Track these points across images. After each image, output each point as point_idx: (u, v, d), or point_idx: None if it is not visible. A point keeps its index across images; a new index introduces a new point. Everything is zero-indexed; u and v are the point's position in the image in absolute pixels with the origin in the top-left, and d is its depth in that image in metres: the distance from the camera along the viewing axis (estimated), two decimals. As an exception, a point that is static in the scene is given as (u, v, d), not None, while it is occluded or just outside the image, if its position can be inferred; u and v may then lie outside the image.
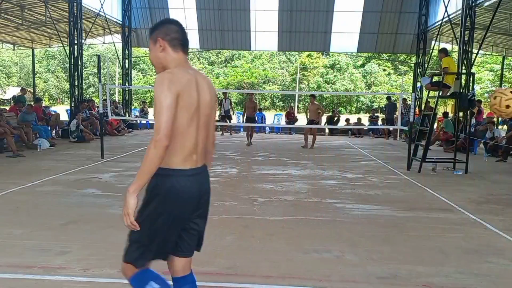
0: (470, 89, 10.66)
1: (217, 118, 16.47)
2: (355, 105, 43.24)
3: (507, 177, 7.63)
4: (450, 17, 13.31)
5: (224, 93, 16.45)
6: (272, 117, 20.85)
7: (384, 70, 43.48)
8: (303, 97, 37.92)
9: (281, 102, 43.68)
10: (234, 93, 39.51)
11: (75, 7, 13.11)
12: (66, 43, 14.19)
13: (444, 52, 8.49)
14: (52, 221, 4.19)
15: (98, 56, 9.53)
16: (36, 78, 26.02)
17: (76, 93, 13.66)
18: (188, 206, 1.88)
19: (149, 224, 1.84)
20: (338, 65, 43.23)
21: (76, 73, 13.56)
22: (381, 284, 2.94)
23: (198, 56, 46.13)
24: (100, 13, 14.85)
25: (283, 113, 21.26)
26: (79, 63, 13.53)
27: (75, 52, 13.37)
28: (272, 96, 43.50)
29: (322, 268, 3.16)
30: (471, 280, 3.02)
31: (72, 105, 13.82)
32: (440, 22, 14.09)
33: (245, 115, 12.29)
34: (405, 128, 12.10)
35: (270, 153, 10.32)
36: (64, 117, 15.49)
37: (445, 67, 7.90)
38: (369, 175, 7.41)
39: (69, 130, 11.74)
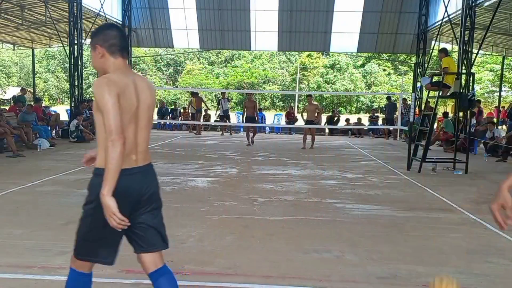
0: (470, 89, 10.66)
1: (216, 118, 16.52)
2: (355, 105, 43.24)
3: (507, 177, 7.62)
4: (450, 17, 13.31)
5: (223, 93, 16.43)
6: (272, 117, 20.85)
7: (384, 70, 43.49)
8: (303, 97, 37.89)
9: (281, 102, 43.68)
10: (234, 93, 39.52)
11: (75, 7, 13.11)
12: (66, 43, 14.20)
13: (444, 52, 8.49)
14: (52, 221, 4.19)
15: (98, 56, 9.52)
16: (36, 78, 26.02)
17: (76, 93, 13.66)
18: (128, 204, 1.91)
19: (90, 221, 1.93)
20: (338, 65, 43.23)
21: (76, 73, 13.56)
22: (381, 284, 2.94)
23: (198, 56, 46.16)
24: (100, 13, 14.84)
25: (283, 113, 21.26)
26: (79, 63, 13.54)
27: (75, 52, 13.37)
28: (272, 96, 43.51)
29: (322, 268, 3.16)
30: (471, 280, 3.02)
31: (72, 105, 13.83)
32: (440, 22, 14.09)
33: (245, 115, 12.13)
34: (405, 128, 12.11)
35: (270, 153, 10.32)
36: (64, 117, 15.50)
37: (445, 67, 7.90)
38: (369, 175, 7.41)
39: (69, 130, 11.75)
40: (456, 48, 14.77)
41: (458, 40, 12.76)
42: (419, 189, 6.32)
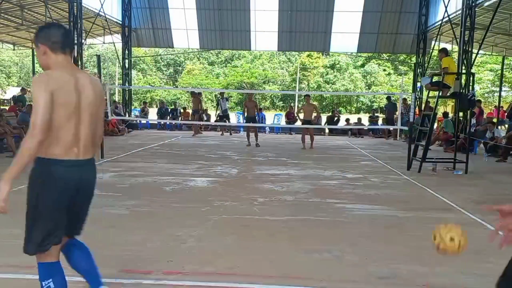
0: (470, 89, 10.67)
1: (215, 118, 16.51)
2: (355, 105, 43.26)
3: (507, 177, 7.63)
4: (450, 17, 13.31)
5: (222, 93, 16.39)
6: (272, 117, 20.86)
7: (384, 70, 43.51)
8: (303, 97, 37.88)
9: (281, 102, 43.69)
10: (234, 93, 39.52)
11: (75, 7, 13.11)
12: (66, 43, 14.17)
13: (444, 52, 8.49)
14: (52, 221, 4.18)
15: (98, 56, 9.54)
16: (36, 78, 25.96)
17: (76, 93, 13.64)
18: (66, 193, 2.04)
19: (33, 208, 2.05)
20: (338, 65, 43.26)
21: (76, 73, 13.54)
22: (381, 284, 2.94)
23: (198, 56, 46.16)
24: (100, 13, 14.85)
25: (283, 113, 21.26)
26: (79, 63, 13.53)
27: (75, 52, 13.36)
28: (272, 96, 43.52)
29: (322, 268, 3.16)
30: (471, 280, 3.02)
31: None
32: (440, 22, 14.09)
33: (245, 115, 12.00)
34: (405, 128, 12.11)
35: (270, 153, 10.32)
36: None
37: (445, 67, 7.90)
38: (369, 175, 7.41)
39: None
40: (456, 48, 14.77)
41: (458, 40, 12.76)
42: (419, 189, 6.32)
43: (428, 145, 8.07)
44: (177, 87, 43.95)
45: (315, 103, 12.45)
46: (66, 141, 1.99)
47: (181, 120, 17.23)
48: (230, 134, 15.81)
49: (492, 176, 7.67)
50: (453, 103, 17.37)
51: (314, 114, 11.97)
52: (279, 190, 5.97)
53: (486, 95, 32.76)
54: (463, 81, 10.53)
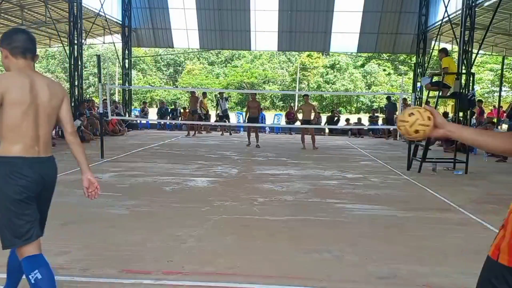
0: (470, 89, 10.66)
1: (215, 118, 16.51)
2: (355, 105, 43.25)
3: (507, 177, 7.63)
4: (450, 17, 13.31)
5: (221, 93, 16.33)
6: (272, 117, 20.86)
7: (384, 70, 43.50)
8: (303, 97, 37.91)
9: (281, 102, 43.68)
10: (234, 93, 39.52)
11: (75, 7, 13.11)
12: (66, 43, 14.20)
13: (444, 52, 8.50)
14: (51, 221, 4.15)
15: (98, 56, 9.54)
16: (36, 78, 25.97)
17: (76, 93, 13.67)
18: (27, 190, 2.10)
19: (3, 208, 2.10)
20: (338, 65, 43.26)
21: (76, 73, 13.57)
22: (381, 284, 2.94)
23: (198, 56, 46.16)
24: (100, 13, 14.85)
25: (283, 113, 21.26)
26: (79, 63, 13.54)
27: (75, 52, 13.37)
28: (272, 96, 43.51)
29: (322, 268, 3.16)
30: (471, 280, 3.01)
31: (72, 105, 13.83)
32: (440, 22, 14.09)
33: (247, 115, 11.79)
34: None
35: (270, 153, 10.32)
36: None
37: (445, 67, 7.90)
38: (369, 175, 7.41)
39: (70, 130, 11.73)
40: (456, 48, 14.77)
41: (458, 40, 12.76)
42: (419, 189, 6.32)
43: (428, 145, 8.07)
44: (177, 87, 43.94)
45: (314, 103, 12.46)
46: (25, 139, 2.10)
47: (181, 120, 17.22)
48: (230, 134, 15.81)
49: (492, 176, 7.67)
50: (453, 103, 17.37)
51: (313, 114, 11.93)
52: (279, 190, 5.97)
53: (486, 95, 32.76)
54: (463, 81, 10.53)
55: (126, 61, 17.79)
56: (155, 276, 2.92)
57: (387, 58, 37.14)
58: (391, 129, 15.42)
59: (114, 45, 18.11)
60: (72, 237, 3.72)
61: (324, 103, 40.83)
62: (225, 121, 15.60)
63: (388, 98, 17.15)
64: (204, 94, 16.70)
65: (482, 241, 3.93)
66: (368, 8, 16.99)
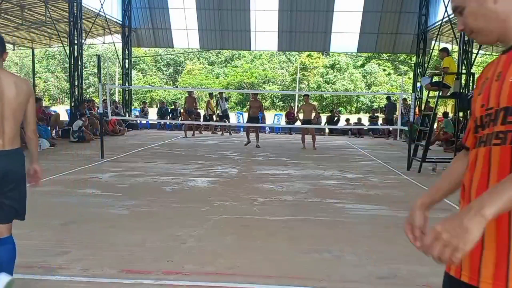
0: (470, 89, 10.66)
1: (215, 118, 16.50)
2: (355, 105, 43.24)
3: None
4: (450, 17, 13.30)
5: (220, 93, 16.30)
6: (272, 117, 20.86)
7: (384, 70, 43.49)
8: (303, 97, 37.90)
9: (281, 102, 43.68)
10: (234, 93, 39.52)
11: (75, 7, 13.11)
12: (66, 43, 14.20)
13: (446, 51, 8.51)
14: (52, 221, 4.19)
15: (98, 56, 9.54)
16: (36, 78, 26.03)
17: (76, 93, 13.67)
18: None
19: None
20: (338, 65, 43.24)
21: (76, 73, 13.56)
22: (381, 284, 2.94)
23: (198, 56, 46.15)
24: (100, 13, 14.85)
25: (283, 113, 21.26)
26: (79, 63, 13.54)
27: (75, 52, 13.37)
28: (272, 96, 43.51)
29: (322, 268, 3.16)
30: (471, 280, 3.01)
31: (72, 105, 13.83)
32: (440, 22, 14.09)
33: (248, 114, 11.75)
34: (405, 128, 12.11)
35: (270, 153, 10.32)
36: (64, 117, 15.50)
37: (445, 66, 7.90)
38: (369, 175, 7.41)
39: (71, 130, 11.74)
40: (456, 48, 14.77)
41: (458, 40, 12.77)
42: (419, 189, 6.32)
43: (428, 145, 8.07)
44: (177, 87, 43.92)
45: (314, 103, 12.46)
46: None
47: (181, 120, 17.20)
48: (230, 134, 15.81)
49: (492, 176, 7.66)
50: (453, 103, 17.38)
51: (314, 114, 11.92)
52: (279, 190, 5.97)
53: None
54: (463, 81, 10.53)
55: (126, 61, 17.80)
56: (155, 276, 2.92)
57: (387, 58, 37.13)
58: (391, 129, 15.43)
59: (114, 45, 18.11)
60: (72, 237, 3.72)
61: (324, 103, 40.80)
62: (225, 121, 15.60)
63: (388, 98, 17.15)
64: (211, 95, 16.66)
65: (482, 241, 3.93)
66: (368, 8, 16.99)
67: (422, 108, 13.47)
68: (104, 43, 20.79)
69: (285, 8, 17.25)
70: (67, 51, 13.79)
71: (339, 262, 3.31)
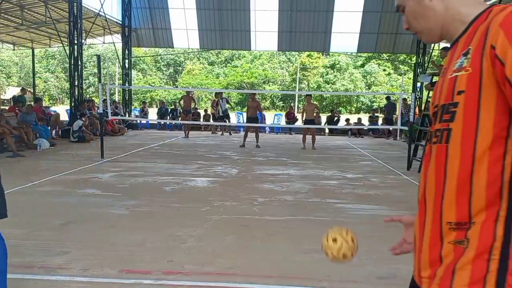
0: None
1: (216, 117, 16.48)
2: (355, 105, 43.24)
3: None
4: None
5: (220, 93, 16.28)
6: (272, 117, 20.86)
7: (384, 70, 43.49)
8: (303, 97, 37.90)
9: (281, 102, 43.68)
10: (234, 93, 39.52)
11: (75, 7, 13.11)
12: (66, 43, 14.20)
13: (446, 50, 8.51)
14: (52, 221, 4.19)
15: (98, 56, 9.55)
16: (36, 78, 26.02)
17: (76, 93, 13.66)
18: None
19: None
20: (338, 65, 43.24)
21: (76, 73, 13.56)
22: (381, 284, 2.94)
23: (198, 56, 46.16)
24: (100, 13, 14.85)
25: (283, 113, 21.26)
26: (79, 63, 13.53)
27: (75, 52, 13.37)
28: (272, 96, 43.52)
29: (322, 268, 3.15)
30: (471, 280, 3.01)
31: (72, 105, 13.83)
32: (440, 22, 14.07)
33: (246, 115, 11.76)
34: (405, 128, 12.11)
35: (270, 153, 10.32)
36: (64, 117, 15.50)
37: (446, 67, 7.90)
38: (369, 175, 7.41)
39: (71, 129, 11.75)
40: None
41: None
42: (419, 189, 6.31)
43: (428, 145, 8.05)
44: (177, 87, 43.92)
45: (315, 103, 12.48)
46: None
47: (181, 120, 17.18)
48: (230, 134, 15.81)
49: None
50: (453, 103, 17.36)
51: (316, 113, 11.93)
52: (279, 190, 5.97)
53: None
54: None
55: (126, 61, 17.79)
56: (155, 276, 2.92)
57: (387, 58, 37.12)
58: (391, 129, 15.43)
59: (114, 45, 18.12)
60: (72, 237, 3.72)
61: (324, 103, 40.78)
62: (225, 121, 15.59)
63: (388, 98, 17.15)
64: (218, 94, 16.60)
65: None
66: (368, 8, 16.98)
67: (422, 108, 13.46)
68: (104, 43, 20.80)
69: (285, 8, 17.25)
70: (67, 51, 13.79)
71: (339, 262, 3.31)
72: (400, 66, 40.41)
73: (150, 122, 18.64)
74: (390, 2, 16.87)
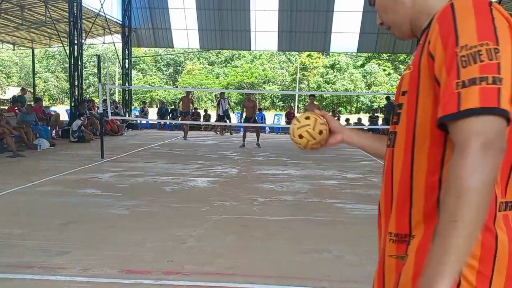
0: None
1: (215, 118, 16.47)
2: (355, 105, 43.24)
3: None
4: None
5: (222, 93, 16.28)
6: (272, 117, 20.86)
7: (384, 70, 43.49)
8: (303, 97, 37.91)
9: (281, 102, 43.69)
10: (234, 93, 39.53)
11: (75, 7, 13.11)
12: (66, 43, 14.20)
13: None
14: (52, 221, 4.18)
15: (98, 56, 9.55)
16: (36, 78, 26.03)
17: (76, 93, 13.67)
18: None
19: None
20: (338, 65, 43.23)
21: (76, 73, 13.56)
22: (381, 284, 2.93)
23: (198, 56, 46.16)
24: (100, 13, 14.85)
25: (283, 113, 21.26)
26: (79, 63, 13.53)
27: (75, 52, 13.37)
28: (272, 96, 43.51)
29: (322, 268, 3.16)
30: (471, 280, 3.01)
31: (72, 105, 13.83)
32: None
33: (244, 115, 11.71)
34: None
35: (270, 153, 10.32)
36: (64, 117, 15.50)
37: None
38: (369, 175, 7.41)
39: (71, 130, 11.74)
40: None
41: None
42: (419, 189, 6.31)
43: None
44: (177, 87, 43.91)
45: (316, 103, 12.54)
46: None
47: (181, 120, 17.16)
48: (230, 134, 15.81)
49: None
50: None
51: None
52: (279, 190, 5.97)
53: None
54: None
55: (126, 61, 17.79)
56: (155, 276, 2.92)
57: (387, 58, 37.12)
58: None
59: (114, 45, 18.12)
60: (72, 237, 3.71)
61: (324, 103, 40.79)
62: (225, 121, 15.58)
63: (388, 98, 17.15)
64: (221, 94, 16.56)
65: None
66: (368, 8, 16.95)
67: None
68: (104, 43, 20.81)
69: (285, 8, 17.26)
70: (67, 51, 13.79)
71: (339, 262, 3.31)
72: (400, 66, 40.37)
73: (150, 122, 18.64)
74: (390, 2, 16.88)
